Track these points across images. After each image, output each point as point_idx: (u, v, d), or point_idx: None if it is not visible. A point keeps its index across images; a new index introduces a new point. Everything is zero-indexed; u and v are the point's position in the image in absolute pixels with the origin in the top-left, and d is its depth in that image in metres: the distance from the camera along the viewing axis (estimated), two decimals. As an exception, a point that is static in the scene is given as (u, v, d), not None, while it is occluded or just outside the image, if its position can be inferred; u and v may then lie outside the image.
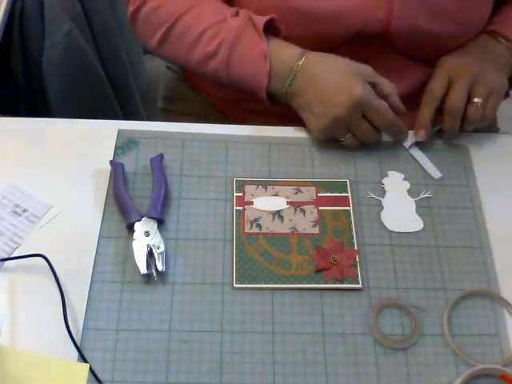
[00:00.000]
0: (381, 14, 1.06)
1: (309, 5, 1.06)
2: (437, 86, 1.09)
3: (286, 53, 1.05)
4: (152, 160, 1.02)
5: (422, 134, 1.08)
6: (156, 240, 0.94)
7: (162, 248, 0.93)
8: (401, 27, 1.07)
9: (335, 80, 1.02)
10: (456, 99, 1.06)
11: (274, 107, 1.10)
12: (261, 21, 1.05)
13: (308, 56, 1.04)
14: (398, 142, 1.10)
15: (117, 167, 1.00)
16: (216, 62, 1.08)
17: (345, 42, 1.10)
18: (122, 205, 0.97)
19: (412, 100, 1.13)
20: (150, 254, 0.93)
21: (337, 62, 1.05)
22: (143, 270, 0.91)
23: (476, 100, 1.05)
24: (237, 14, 1.10)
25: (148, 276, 0.91)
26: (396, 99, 1.05)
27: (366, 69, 1.05)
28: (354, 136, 1.05)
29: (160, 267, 0.92)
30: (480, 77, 1.07)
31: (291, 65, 1.04)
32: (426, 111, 1.09)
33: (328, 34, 1.08)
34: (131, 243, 0.94)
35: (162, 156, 1.02)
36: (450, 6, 1.07)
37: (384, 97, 1.04)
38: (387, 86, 1.05)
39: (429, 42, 1.11)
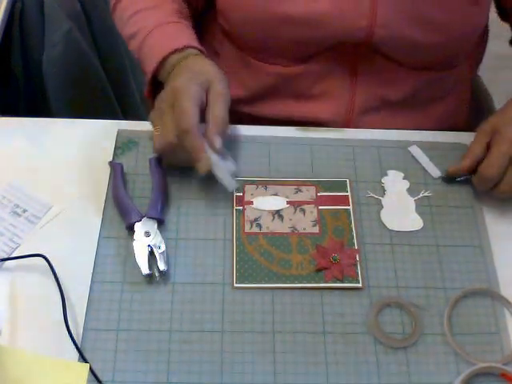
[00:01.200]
0: (363, 22, 1.04)
1: (291, 11, 1.05)
2: (476, 147, 1.02)
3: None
4: (151, 160, 1.02)
5: (451, 171, 1.04)
6: (156, 240, 0.94)
7: (163, 248, 0.93)
8: (384, 36, 1.06)
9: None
10: (490, 167, 0.99)
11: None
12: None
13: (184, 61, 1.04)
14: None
15: (116, 168, 1.00)
16: (133, 45, 1.11)
17: (330, 47, 1.09)
18: (122, 205, 0.97)
19: (405, 105, 1.14)
20: (151, 254, 0.93)
21: (199, 63, 1.04)
22: (145, 270, 0.91)
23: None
24: (176, 13, 1.13)
25: (150, 276, 0.92)
26: (212, 132, 0.95)
27: (219, 80, 1.00)
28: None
29: (162, 267, 0.92)
30: None
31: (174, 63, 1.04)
32: (464, 163, 1.03)
33: (311, 40, 1.08)
34: (132, 244, 0.94)
35: (160, 156, 1.02)
36: (436, 15, 1.05)
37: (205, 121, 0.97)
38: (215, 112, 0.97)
39: (416, 50, 1.09)
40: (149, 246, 0.93)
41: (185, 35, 1.08)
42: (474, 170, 1.01)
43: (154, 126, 0.99)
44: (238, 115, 1.12)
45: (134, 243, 0.93)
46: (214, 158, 0.95)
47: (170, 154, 0.99)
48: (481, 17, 1.11)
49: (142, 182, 1.01)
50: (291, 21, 1.06)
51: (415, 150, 1.08)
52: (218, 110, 0.97)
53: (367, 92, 1.15)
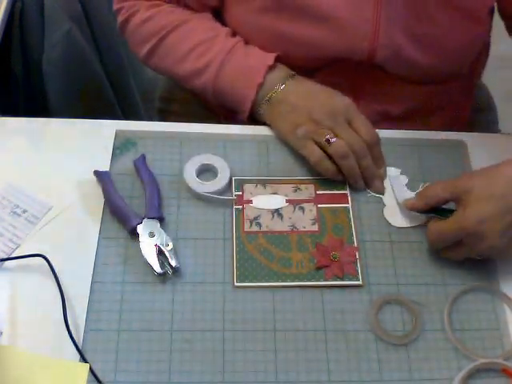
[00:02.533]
0: (365, 43, 1.05)
1: (293, 31, 1.06)
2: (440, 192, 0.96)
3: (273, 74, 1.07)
4: (136, 162, 1.02)
5: (408, 207, 0.99)
6: (162, 238, 0.94)
7: (171, 245, 0.93)
8: (386, 56, 1.06)
9: (310, 92, 1.06)
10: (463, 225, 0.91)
11: None
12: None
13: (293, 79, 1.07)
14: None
15: (103, 176, 1.00)
16: (203, 78, 1.09)
17: (332, 63, 1.10)
18: (119, 212, 0.96)
19: (406, 118, 1.14)
20: (160, 252, 0.93)
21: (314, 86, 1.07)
22: (158, 269, 0.91)
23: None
24: (233, 35, 1.12)
25: (164, 275, 0.92)
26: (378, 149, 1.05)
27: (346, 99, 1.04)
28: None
29: (174, 263, 0.92)
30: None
31: (272, 87, 1.06)
32: (434, 197, 0.96)
33: (312, 58, 1.09)
34: (133, 244, 0.94)
35: (144, 156, 1.02)
36: (438, 37, 1.06)
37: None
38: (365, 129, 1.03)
39: (417, 67, 1.10)
40: (156, 245, 0.93)
41: (256, 51, 1.10)
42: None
43: (322, 133, 1.00)
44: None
45: (141, 245, 0.93)
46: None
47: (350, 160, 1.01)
48: (482, 33, 1.12)
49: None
50: (293, 41, 1.07)
51: (394, 174, 1.07)
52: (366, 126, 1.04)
53: (368, 107, 1.14)
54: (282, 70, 1.08)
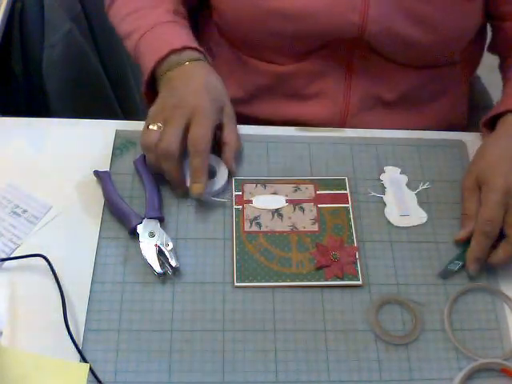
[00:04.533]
0: (355, 17, 1.04)
1: (282, 6, 1.05)
2: (471, 207, 0.98)
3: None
4: (136, 162, 1.02)
5: (474, 268, 0.95)
6: (162, 238, 0.94)
7: (171, 245, 0.93)
8: (377, 32, 1.05)
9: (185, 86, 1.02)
10: (488, 215, 0.94)
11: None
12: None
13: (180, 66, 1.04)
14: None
15: (103, 176, 1.00)
16: (130, 41, 1.10)
17: (323, 44, 1.09)
18: (120, 212, 0.96)
19: (399, 105, 1.14)
20: (160, 253, 0.93)
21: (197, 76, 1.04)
22: (158, 269, 0.91)
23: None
24: (175, 12, 1.12)
25: (164, 275, 0.92)
26: (230, 157, 1.02)
27: (229, 101, 1.03)
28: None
29: (174, 263, 0.92)
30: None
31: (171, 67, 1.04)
32: (467, 228, 0.97)
33: (303, 35, 1.08)
34: (133, 244, 0.94)
35: (144, 156, 1.01)
36: (429, 13, 1.05)
37: (223, 144, 1.02)
38: (231, 135, 1.02)
39: (410, 48, 1.09)
40: (156, 245, 0.93)
41: (183, 35, 1.08)
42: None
43: (151, 120, 0.99)
44: (238, 114, 1.13)
45: (141, 245, 0.93)
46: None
47: (154, 157, 0.98)
48: (475, 14, 1.11)
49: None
50: (282, 16, 1.06)
51: (394, 174, 1.07)
52: (233, 134, 1.03)
53: (362, 91, 1.15)
54: (190, 54, 1.05)
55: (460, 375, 0.86)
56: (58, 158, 1.04)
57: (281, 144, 1.08)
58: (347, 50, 1.09)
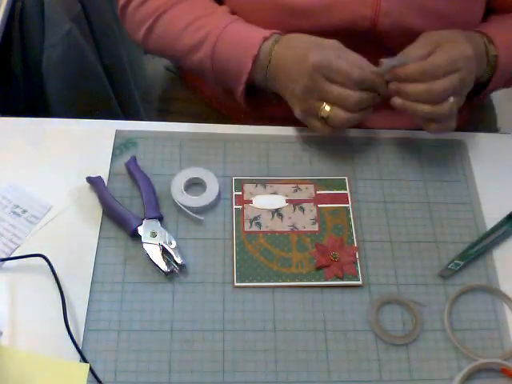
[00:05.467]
0: (367, 11, 1.04)
1: (295, 1, 1.05)
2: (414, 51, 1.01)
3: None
4: (127, 164, 1.02)
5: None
6: (165, 237, 0.94)
7: (175, 243, 0.94)
8: (388, 25, 1.06)
9: (294, 55, 1.01)
10: (439, 61, 0.97)
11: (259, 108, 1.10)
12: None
13: (279, 40, 1.04)
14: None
15: (97, 182, 0.99)
16: (201, 52, 1.08)
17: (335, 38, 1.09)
18: (118, 216, 0.96)
19: None
20: (164, 251, 0.93)
21: (300, 38, 1.04)
22: (164, 268, 0.91)
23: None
24: (230, 12, 1.11)
25: (171, 273, 0.92)
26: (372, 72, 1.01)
27: (332, 42, 1.02)
28: (332, 105, 0.98)
29: (179, 261, 0.92)
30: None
31: (269, 50, 1.04)
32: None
33: (316, 29, 1.07)
34: (137, 245, 0.94)
35: (134, 158, 1.02)
36: (440, 6, 1.06)
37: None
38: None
39: None
40: (160, 244, 0.93)
41: (255, 27, 1.08)
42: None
43: (318, 109, 0.99)
44: (244, 113, 1.12)
45: (145, 246, 0.93)
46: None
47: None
48: (480, 8, 1.11)
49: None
50: (298, 11, 1.06)
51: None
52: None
53: None
54: (271, 39, 1.05)
55: (460, 375, 0.86)
56: (58, 158, 1.04)
57: (280, 144, 1.08)
58: (356, 46, 1.09)
